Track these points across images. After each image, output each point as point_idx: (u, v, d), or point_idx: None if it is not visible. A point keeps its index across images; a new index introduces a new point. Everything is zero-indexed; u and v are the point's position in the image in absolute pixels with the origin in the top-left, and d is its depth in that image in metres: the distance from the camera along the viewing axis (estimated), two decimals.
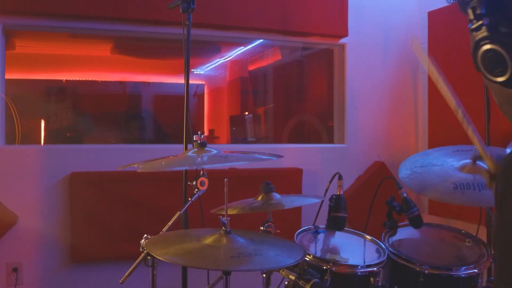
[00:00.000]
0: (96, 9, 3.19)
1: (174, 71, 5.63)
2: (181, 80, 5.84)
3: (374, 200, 2.43)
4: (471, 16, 1.01)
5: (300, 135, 4.76)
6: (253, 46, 4.46)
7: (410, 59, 3.91)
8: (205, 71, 6.19)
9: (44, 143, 4.54)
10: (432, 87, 3.76)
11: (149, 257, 1.79)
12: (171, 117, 5.40)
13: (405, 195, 2.14)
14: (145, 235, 1.85)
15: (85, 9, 3.16)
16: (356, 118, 3.82)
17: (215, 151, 1.89)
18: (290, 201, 2.05)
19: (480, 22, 0.99)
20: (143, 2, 3.26)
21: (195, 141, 1.93)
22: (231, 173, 3.30)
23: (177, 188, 2.97)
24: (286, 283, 2.03)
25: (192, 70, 5.93)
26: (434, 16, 3.71)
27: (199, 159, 1.79)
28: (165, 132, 5.54)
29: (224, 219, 1.60)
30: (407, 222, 2.20)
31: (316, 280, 1.70)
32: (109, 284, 3.22)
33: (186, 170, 2.39)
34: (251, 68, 5.60)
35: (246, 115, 5.42)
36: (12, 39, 3.81)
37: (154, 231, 3.12)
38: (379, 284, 2.00)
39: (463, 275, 1.95)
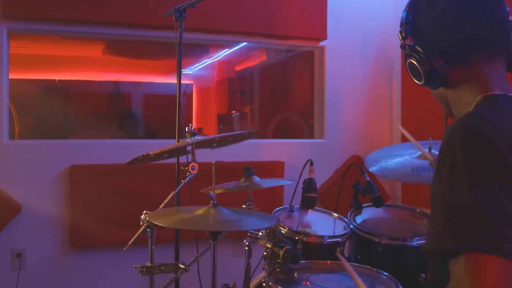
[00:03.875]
0: (93, 14, 3.57)
1: (165, 72, 6.04)
2: (171, 80, 6.28)
3: (344, 186, 2.87)
4: (400, 38, 1.45)
5: (284, 132, 5.19)
6: (239, 48, 4.87)
7: (386, 61, 4.37)
8: (193, 71, 6.59)
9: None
10: (405, 87, 4.22)
11: (148, 229, 2.21)
12: (161, 116, 5.81)
13: (368, 178, 2.58)
14: (145, 211, 2.27)
15: (83, 14, 3.54)
16: (335, 115, 4.27)
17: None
18: (267, 182, 2.50)
19: (403, 43, 1.44)
20: (136, 7, 3.65)
21: (187, 131, 2.36)
22: (217, 165, 3.71)
23: (170, 180, 3.42)
24: (264, 253, 2.47)
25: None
26: None
27: (188, 140, 2.21)
28: (156, 130, 5.95)
29: (212, 193, 2.02)
30: (371, 203, 2.64)
31: (289, 247, 2.14)
32: (107, 267, 3.62)
33: (178, 158, 2.81)
34: (238, 68, 6.02)
35: (233, 113, 5.85)
36: None
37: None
38: (346, 256, 2.45)
39: (415, 245, 2.38)
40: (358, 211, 2.64)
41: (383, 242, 2.37)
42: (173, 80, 6.55)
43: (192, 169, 2.33)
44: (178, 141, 2.88)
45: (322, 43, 4.20)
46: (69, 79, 5.77)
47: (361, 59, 4.33)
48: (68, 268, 3.57)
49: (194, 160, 2.34)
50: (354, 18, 4.28)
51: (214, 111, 6.33)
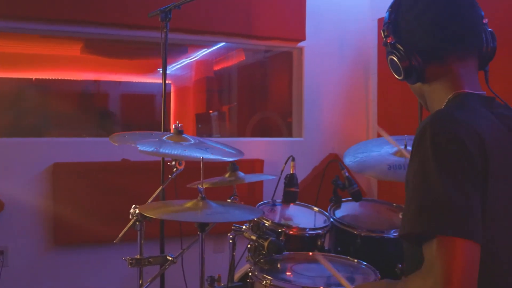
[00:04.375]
0: (72, 13, 3.63)
1: (143, 71, 6.11)
2: (149, 79, 6.34)
3: (323, 182, 3.01)
4: (382, 36, 1.59)
5: (262, 131, 5.31)
6: (218, 48, 4.98)
7: (362, 62, 4.53)
8: (171, 70, 6.67)
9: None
10: (381, 87, 4.39)
11: (137, 223, 2.32)
12: (139, 115, 5.89)
13: (347, 174, 2.72)
14: (134, 205, 2.37)
15: (62, 12, 3.60)
16: (313, 114, 4.41)
17: (192, 140, 2.45)
18: (251, 177, 2.62)
19: (385, 40, 1.58)
20: (115, 6, 3.72)
21: (175, 128, 2.47)
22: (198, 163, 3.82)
23: (152, 177, 3.52)
24: (248, 246, 2.59)
25: (158, 69, 6.39)
26: (382, 23, 4.33)
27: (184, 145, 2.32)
28: (134, 128, 6.00)
29: (200, 187, 2.13)
30: (349, 198, 2.78)
31: (273, 238, 2.27)
32: (90, 264, 3.70)
33: (163, 158, 2.92)
34: (216, 68, 6.12)
35: (212, 112, 5.95)
36: None
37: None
38: (326, 248, 2.59)
39: (392, 237, 2.53)
40: (338, 205, 2.78)
41: (362, 234, 2.51)
42: (151, 79, 6.62)
43: (179, 165, 2.44)
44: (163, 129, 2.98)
45: (300, 44, 4.34)
46: (47, 77, 5.79)
47: (339, 59, 4.49)
48: (51, 265, 3.63)
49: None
50: (331, 20, 4.43)
51: (192, 111, 6.41)
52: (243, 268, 2.86)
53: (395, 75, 1.61)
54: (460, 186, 1.26)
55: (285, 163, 2.75)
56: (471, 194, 1.27)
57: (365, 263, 2.20)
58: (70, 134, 5.18)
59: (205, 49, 5.49)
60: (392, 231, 2.55)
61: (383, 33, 1.60)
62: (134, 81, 6.41)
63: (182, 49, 5.57)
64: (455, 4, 1.51)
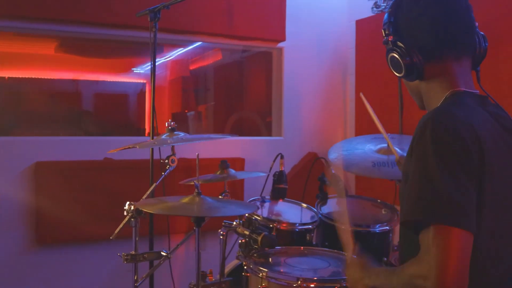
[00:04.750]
0: (46, 11, 3.60)
1: (118, 70, 6.11)
2: (123, 78, 6.34)
3: (309, 180, 3.11)
4: (383, 35, 1.69)
5: (240, 130, 5.39)
6: (194, 47, 5.03)
7: (340, 62, 4.65)
8: (144, 70, 6.68)
9: None
10: (359, 87, 4.52)
11: (132, 219, 2.38)
12: (114, 114, 5.89)
13: (333, 171, 2.82)
14: (128, 202, 2.42)
15: (36, 10, 3.57)
16: (293, 113, 4.51)
17: (182, 134, 2.52)
18: (242, 174, 2.70)
19: (386, 39, 1.68)
20: (91, 4, 3.71)
21: (167, 127, 2.54)
22: (184, 161, 3.87)
23: (135, 175, 3.57)
24: (240, 241, 2.67)
25: (132, 69, 6.41)
26: (361, 25, 4.46)
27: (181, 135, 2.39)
28: (110, 128, 6.00)
29: (197, 183, 2.21)
30: (335, 194, 2.89)
31: (266, 233, 2.35)
32: (73, 263, 3.71)
33: (152, 152, 2.98)
34: (192, 67, 6.17)
35: (188, 112, 5.99)
36: None
37: (117, 215, 3.69)
38: (314, 242, 2.68)
39: (378, 231, 2.65)
40: (324, 201, 2.88)
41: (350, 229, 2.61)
42: (125, 79, 6.62)
43: (172, 162, 2.51)
44: (152, 137, 3.04)
45: (280, 44, 4.43)
46: (20, 76, 5.74)
47: (317, 60, 4.59)
48: (34, 264, 3.63)
49: (174, 154, 2.52)
50: (310, 21, 4.53)
51: (167, 110, 6.44)
52: (231, 263, 2.94)
53: (395, 73, 1.71)
54: (458, 179, 1.38)
55: (274, 161, 2.84)
56: (468, 187, 1.38)
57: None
58: (44, 133, 5.16)
59: (181, 49, 5.53)
60: (377, 226, 2.67)
61: (384, 32, 1.71)
62: (108, 80, 6.41)
63: (157, 48, 5.59)
64: (453, 7, 1.63)
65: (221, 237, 2.59)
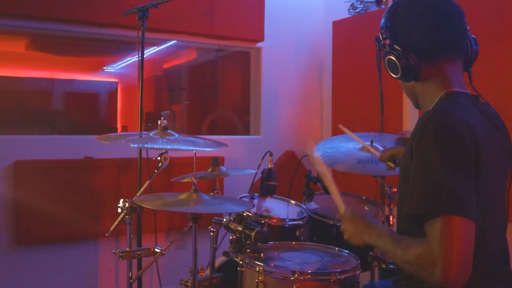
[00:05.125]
0: (11, 8, 3.58)
1: (89, 69, 6.07)
2: (95, 77, 6.29)
3: (282, 177, 3.18)
4: (381, 38, 1.78)
5: (217, 129, 5.43)
6: (168, 46, 5.04)
7: (317, 62, 4.76)
8: (115, 69, 6.64)
9: None
10: (336, 87, 4.63)
11: (127, 216, 2.41)
12: (86, 113, 5.85)
13: (319, 168, 2.90)
14: (122, 199, 2.45)
15: (6, 7, 3.54)
16: (271, 113, 4.59)
17: (176, 135, 2.57)
18: (234, 172, 2.76)
19: (383, 42, 1.76)
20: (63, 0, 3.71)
21: (159, 125, 2.58)
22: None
23: (114, 174, 3.58)
24: (230, 238, 2.72)
25: (103, 68, 6.37)
26: (338, 26, 4.57)
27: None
28: (81, 126, 5.95)
29: (195, 180, 2.25)
30: (321, 191, 2.97)
31: (259, 228, 2.42)
32: (53, 263, 3.69)
33: (140, 151, 3.01)
34: (166, 66, 6.16)
35: (163, 112, 6.00)
36: None
37: (97, 214, 3.70)
38: (301, 238, 2.76)
39: None
40: (310, 198, 2.96)
41: (338, 224, 2.70)
42: (97, 78, 6.56)
43: (165, 159, 2.54)
44: (140, 135, 3.06)
45: (259, 44, 4.51)
46: None
47: (295, 60, 4.69)
48: (13, 264, 3.59)
49: (166, 152, 2.56)
50: (288, 22, 4.63)
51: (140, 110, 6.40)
52: (217, 260, 3.00)
53: (392, 74, 1.80)
54: (459, 173, 1.48)
55: (262, 158, 2.91)
56: (468, 180, 1.50)
57: (347, 251, 2.40)
58: (11, 132, 5.09)
59: (155, 47, 5.53)
60: None
61: (381, 36, 1.80)
62: (79, 79, 6.35)
63: (130, 47, 5.59)
64: (448, 12, 1.74)
65: (211, 233, 2.63)
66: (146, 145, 2.37)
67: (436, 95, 1.73)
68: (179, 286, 2.60)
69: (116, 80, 6.59)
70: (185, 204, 2.18)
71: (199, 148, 2.34)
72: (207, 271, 2.72)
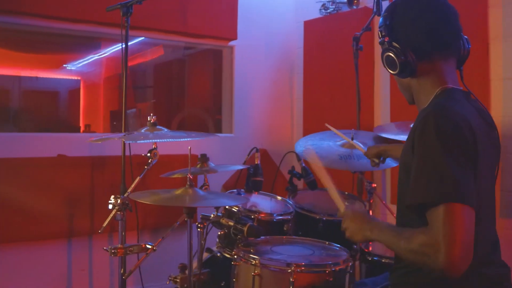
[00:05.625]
0: None
1: (49, 66, 5.95)
2: (55, 75, 6.17)
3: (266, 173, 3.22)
4: (380, 36, 1.84)
5: (188, 127, 5.42)
6: (134, 43, 4.99)
7: (287, 61, 4.83)
8: (76, 67, 6.53)
9: None
10: (307, 86, 4.70)
11: (119, 212, 2.40)
12: (47, 111, 5.74)
13: (303, 164, 2.97)
14: (112, 196, 2.44)
15: None
16: (242, 111, 4.63)
17: (165, 129, 2.57)
18: (221, 167, 2.79)
19: (383, 39, 1.83)
20: None
21: (149, 121, 2.58)
22: (139, 158, 3.86)
23: (85, 173, 3.54)
24: (219, 233, 2.75)
25: (64, 65, 6.26)
26: (309, 25, 4.65)
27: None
28: (43, 124, 5.83)
29: (190, 176, 2.27)
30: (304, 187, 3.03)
31: (251, 223, 2.45)
32: (25, 263, 3.63)
33: (124, 152, 2.99)
34: (131, 64, 6.09)
35: (128, 110, 5.93)
36: None
37: (71, 213, 3.65)
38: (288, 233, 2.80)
39: None
40: (294, 194, 3.02)
41: (324, 218, 2.77)
42: (57, 75, 6.44)
43: (154, 156, 2.55)
44: (124, 130, 3.05)
45: (231, 43, 4.54)
46: None
47: (266, 59, 4.75)
48: None
49: (155, 148, 2.56)
50: (260, 21, 4.68)
51: (103, 108, 6.33)
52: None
53: (389, 70, 1.87)
54: (460, 163, 1.57)
55: (248, 155, 2.94)
56: (468, 171, 1.59)
57: (338, 245, 2.46)
58: None
59: (119, 44, 5.46)
60: None
61: (381, 33, 1.87)
62: (41, 76, 6.21)
63: (94, 44, 5.52)
64: (445, 13, 1.83)
65: (198, 229, 2.65)
66: (142, 141, 2.37)
67: (432, 91, 1.81)
68: (168, 283, 2.61)
69: (79, 78, 6.49)
70: (181, 199, 2.19)
71: (192, 138, 2.35)
72: (195, 267, 2.75)
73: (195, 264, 2.90)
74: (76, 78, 6.45)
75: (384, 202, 3.22)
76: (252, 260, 2.22)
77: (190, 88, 5.54)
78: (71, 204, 3.71)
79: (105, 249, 2.42)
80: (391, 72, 1.86)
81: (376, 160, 2.56)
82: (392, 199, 3.88)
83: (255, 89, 4.70)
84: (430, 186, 1.56)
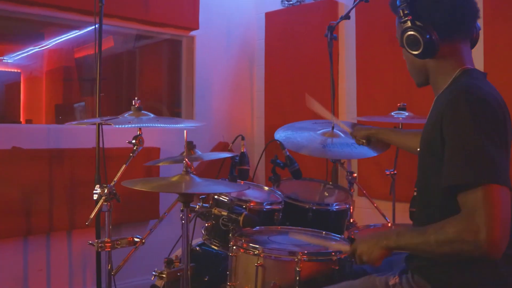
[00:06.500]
0: None
1: None
2: None
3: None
4: (401, 14, 1.75)
5: None
6: (80, 34, 4.72)
7: (247, 53, 4.71)
8: (14, 60, 6.15)
9: None
10: (268, 78, 4.60)
11: (106, 203, 2.20)
12: None
13: (287, 153, 2.85)
14: (98, 185, 2.23)
15: None
16: (203, 103, 4.48)
17: (152, 115, 2.40)
18: (209, 155, 2.64)
19: (406, 18, 1.74)
20: None
21: (133, 105, 2.39)
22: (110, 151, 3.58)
23: (43, 165, 3.30)
24: (206, 225, 2.59)
25: (1, 58, 5.91)
26: (270, 17, 4.56)
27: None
28: None
29: (187, 161, 2.10)
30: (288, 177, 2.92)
31: (246, 213, 2.32)
32: None
33: (98, 143, 2.78)
34: (78, 55, 5.78)
35: (76, 103, 5.63)
36: None
37: (27, 208, 3.37)
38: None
39: (335, 209, 2.74)
40: (278, 183, 2.90)
41: (314, 207, 2.67)
42: None
43: (140, 142, 2.37)
44: (98, 115, 2.83)
45: (192, 33, 4.37)
46: None
47: (227, 50, 4.62)
48: None
49: (140, 134, 2.39)
50: (221, 11, 4.55)
51: (45, 102, 6.00)
52: (179, 251, 2.85)
53: (410, 50, 1.78)
54: (495, 143, 1.52)
55: (232, 142, 2.80)
56: (502, 151, 1.54)
57: (339, 236, 2.38)
58: None
59: (64, 35, 5.19)
60: (334, 205, 2.76)
61: (402, 12, 1.77)
62: None
63: (38, 35, 5.22)
64: None
65: (182, 221, 2.49)
66: (133, 125, 2.18)
67: (452, 72, 1.75)
68: (153, 278, 2.43)
69: (19, 71, 6.12)
70: (177, 185, 2.03)
71: (186, 125, 2.19)
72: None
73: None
74: (16, 70, 6.09)
75: (364, 192, 3.16)
76: (254, 250, 2.09)
77: (142, 81, 5.31)
78: (28, 199, 3.44)
79: (91, 243, 2.21)
80: (413, 52, 1.77)
81: (363, 140, 2.51)
82: (359, 191, 3.82)
83: (216, 80, 4.56)
84: (467, 167, 1.50)
